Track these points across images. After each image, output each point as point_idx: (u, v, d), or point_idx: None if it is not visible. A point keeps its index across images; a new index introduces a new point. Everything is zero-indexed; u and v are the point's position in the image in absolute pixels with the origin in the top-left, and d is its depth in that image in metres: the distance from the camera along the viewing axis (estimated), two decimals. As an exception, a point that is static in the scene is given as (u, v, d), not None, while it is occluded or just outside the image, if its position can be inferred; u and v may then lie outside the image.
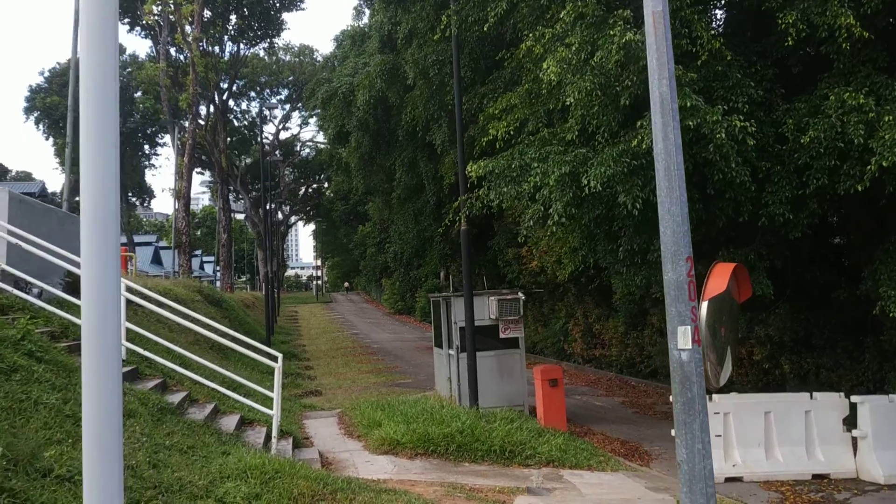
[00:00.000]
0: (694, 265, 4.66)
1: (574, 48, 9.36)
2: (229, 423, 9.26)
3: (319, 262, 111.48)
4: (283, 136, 76.16)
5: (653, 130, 4.84)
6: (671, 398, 9.89)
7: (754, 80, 10.41)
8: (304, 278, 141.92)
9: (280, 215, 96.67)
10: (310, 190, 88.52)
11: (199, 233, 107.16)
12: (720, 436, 9.85)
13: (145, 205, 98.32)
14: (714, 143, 8.98)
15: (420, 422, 10.55)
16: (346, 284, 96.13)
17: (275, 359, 10.16)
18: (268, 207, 48.69)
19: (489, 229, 29.27)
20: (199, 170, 69.09)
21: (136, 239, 68.71)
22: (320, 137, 65.39)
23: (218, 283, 48.34)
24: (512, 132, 11.90)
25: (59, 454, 5.32)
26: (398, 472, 9.01)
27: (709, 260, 10.66)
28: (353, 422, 12.05)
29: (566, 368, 24.85)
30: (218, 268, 53.61)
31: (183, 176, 32.95)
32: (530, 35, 10.90)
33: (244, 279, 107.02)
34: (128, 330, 10.11)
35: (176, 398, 9.10)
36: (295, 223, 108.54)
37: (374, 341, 34.28)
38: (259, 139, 49.21)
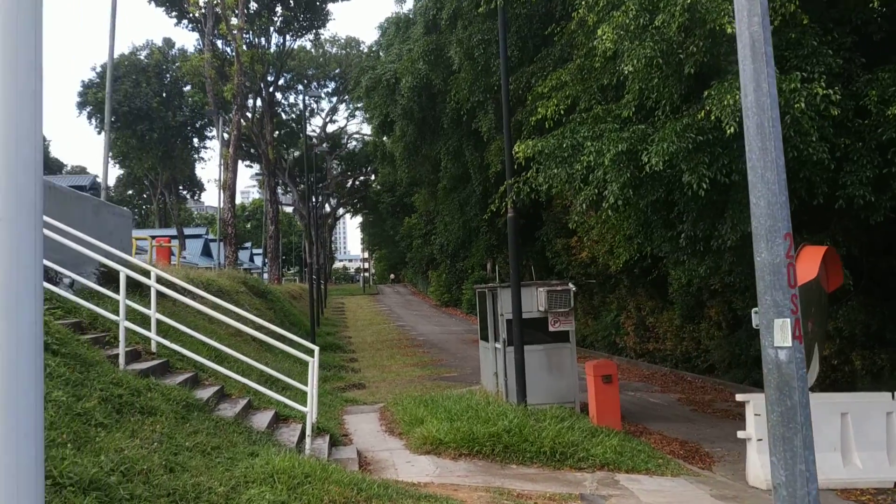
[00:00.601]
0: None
1: (632, 13, 8.52)
2: (262, 419, 8.71)
3: (366, 255, 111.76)
4: (331, 129, 76.32)
5: (741, 80, 4.05)
6: (743, 400, 9.05)
7: (832, 49, 9.42)
8: (352, 271, 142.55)
9: (327, 207, 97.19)
10: (356, 182, 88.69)
11: (248, 225, 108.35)
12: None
13: (196, 198, 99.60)
14: (791, 114, 8.05)
15: (464, 419, 9.88)
16: (392, 276, 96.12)
17: (311, 353, 9.59)
18: (313, 200, 48.50)
19: (537, 219, 28.43)
20: (247, 163, 69.61)
21: (187, 231, 69.51)
22: (366, 129, 65.23)
23: (266, 275, 48.42)
24: (562, 111, 11.10)
25: (60, 458, 4.77)
26: (440, 474, 8.34)
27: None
28: (395, 418, 11.44)
29: (618, 363, 23.90)
30: (266, 260, 53.76)
31: (228, 167, 32.79)
32: (583, 3, 10.08)
33: (293, 271, 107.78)
34: (159, 322, 9.65)
35: (206, 394, 8.58)
36: (342, 216, 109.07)
37: (420, 333, 33.75)
38: (303, 130, 49.04)
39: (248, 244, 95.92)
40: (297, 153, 70.02)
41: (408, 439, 9.94)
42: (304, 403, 8.82)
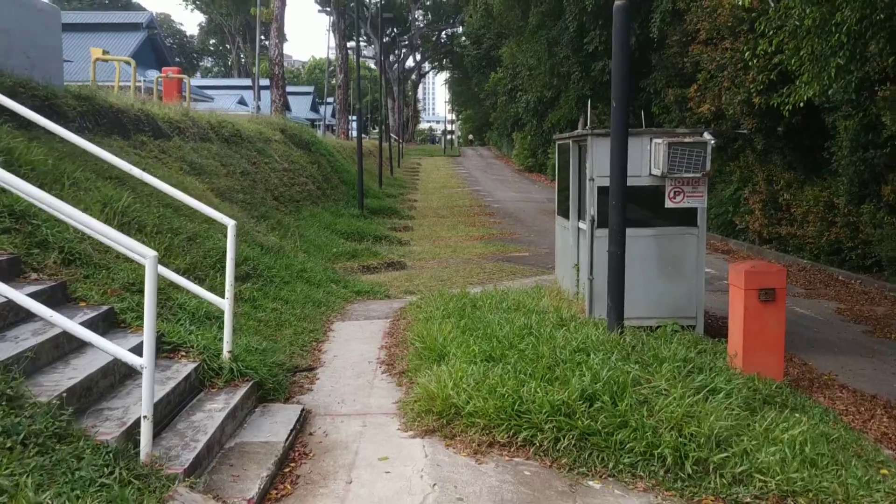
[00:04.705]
0: None
1: None
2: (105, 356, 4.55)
3: (451, 115, 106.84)
4: (415, -29, 69.94)
5: None
6: None
7: None
8: (438, 132, 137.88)
9: (411, 62, 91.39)
10: (443, 36, 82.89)
11: (334, 81, 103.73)
12: None
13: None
14: None
15: (512, 360, 5.47)
16: (470, 138, 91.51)
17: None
18: (380, 48, 43.58)
19: (643, 65, 22.81)
20: (327, 9, 64.25)
21: (291, 89, 66.19)
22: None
23: (331, 131, 44.52)
24: None
25: None
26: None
27: None
28: (408, 336, 7.17)
29: (735, 248, 18.97)
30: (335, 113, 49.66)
31: (276, -5, 27.91)
32: None
33: (377, 131, 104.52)
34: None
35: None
36: (427, 72, 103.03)
37: (496, 200, 29.31)
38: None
39: (331, 99, 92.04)
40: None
41: (408, 391, 5.65)
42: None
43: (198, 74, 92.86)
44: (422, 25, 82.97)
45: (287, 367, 6.03)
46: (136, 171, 5.33)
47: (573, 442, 4.52)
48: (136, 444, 3.67)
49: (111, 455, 3.45)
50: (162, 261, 6.78)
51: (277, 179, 17.09)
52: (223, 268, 7.81)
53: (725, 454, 4.39)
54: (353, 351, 7.00)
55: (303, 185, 19.00)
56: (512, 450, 4.60)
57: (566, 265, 9.78)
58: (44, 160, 6.76)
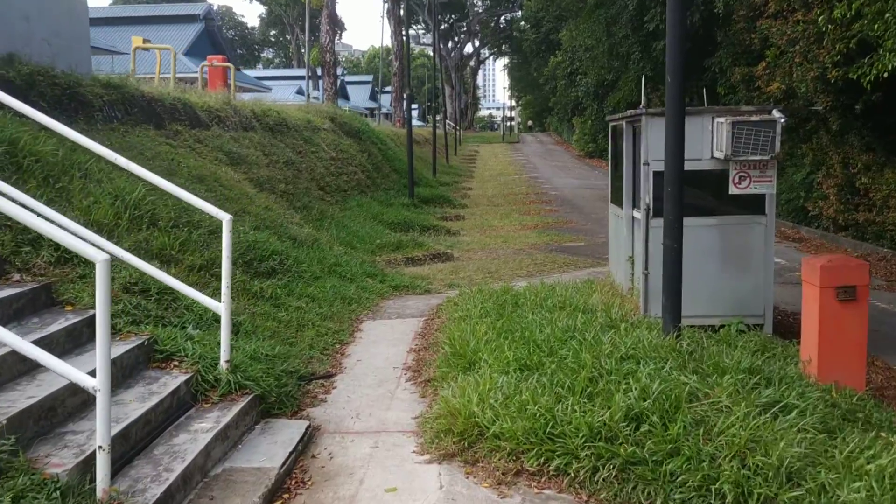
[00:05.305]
0: None
1: None
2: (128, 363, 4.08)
3: (510, 101, 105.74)
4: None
5: None
6: None
7: None
8: (498, 119, 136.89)
9: (470, 48, 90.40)
10: (502, 21, 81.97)
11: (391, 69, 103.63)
12: None
13: (337, 38, 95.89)
14: None
15: (547, 376, 4.79)
16: (529, 123, 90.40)
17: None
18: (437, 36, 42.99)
19: (708, 43, 21.59)
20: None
21: (350, 79, 66.33)
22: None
23: (388, 119, 44.15)
24: None
25: None
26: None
27: None
28: (440, 338, 6.55)
29: (807, 236, 17.74)
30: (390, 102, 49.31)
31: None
32: None
33: (438, 118, 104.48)
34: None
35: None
36: (486, 58, 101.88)
37: (554, 187, 28.43)
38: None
39: (389, 88, 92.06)
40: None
41: (431, 404, 5.03)
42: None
43: (259, 66, 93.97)
44: (480, 11, 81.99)
45: (301, 375, 5.48)
46: (122, 161, 4.83)
47: (614, 472, 3.82)
48: (95, 477, 3.15)
49: (59, 492, 2.94)
50: (175, 256, 6.34)
51: (324, 169, 16.67)
52: (245, 263, 7.36)
53: (798, 491, 3.63)
54: (379, 354, 6.41)
55: (351, 174, 18.55)
56: (542, 480, 3.93)
57: (620, 257, 9.00)
58: (52, 151, 6.37)
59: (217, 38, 42.80)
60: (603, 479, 3.82)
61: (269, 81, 52.18)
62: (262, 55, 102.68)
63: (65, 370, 3.12)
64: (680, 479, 3.74)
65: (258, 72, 71.37)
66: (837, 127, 16.19)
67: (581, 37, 29.42)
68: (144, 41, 17.92)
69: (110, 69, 15.88)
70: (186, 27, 39.05)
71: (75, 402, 3.73)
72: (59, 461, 3.19)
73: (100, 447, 3.04)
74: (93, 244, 4.81)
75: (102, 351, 3.04)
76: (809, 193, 18.57)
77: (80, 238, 4.20)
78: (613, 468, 3.83)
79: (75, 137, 4.89)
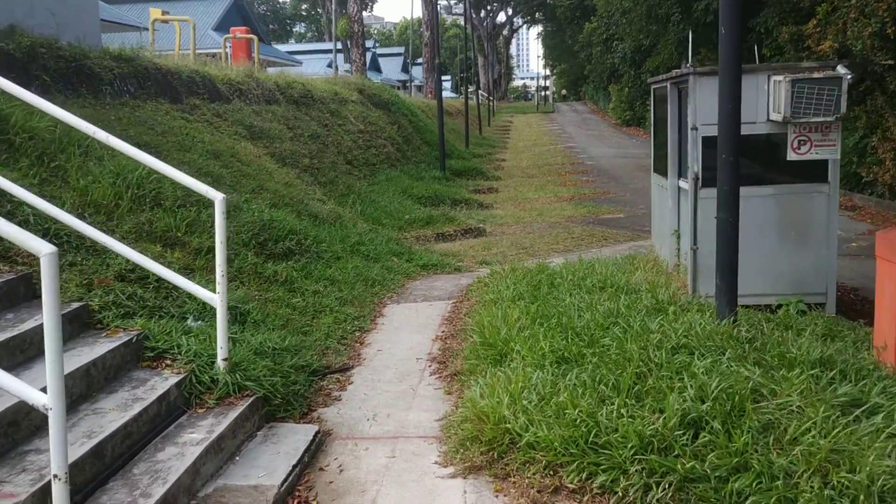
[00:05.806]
0: None
1: None
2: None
3: (544, 70, 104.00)
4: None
5: None
6: None
7: None
8: (532, 89, 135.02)
9: (503, 16, 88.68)
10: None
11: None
12: None
13: (367, 9, 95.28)
14: None
15: (588, 371, 4.21)
16: (564, 92, 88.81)
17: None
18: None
19: (753, 2, 20.45)
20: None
21: (381, 51, 65.47)
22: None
23: (420, 91, 43.38)
24: None
25: None
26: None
27: None
28: (468, 324, 5.99)
29: (861, 204, 16.79)
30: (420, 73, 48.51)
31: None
32: None
33: (471, 90, 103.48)
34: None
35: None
36: (520, 27, 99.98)
37: (590, 157, 27.55)
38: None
39: (421, 59, 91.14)
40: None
41: (457, 402, 4.49)
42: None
43: (291, 40, 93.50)
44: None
45: (314, 369, 4.97)
46: (102, 135, 4.34)
47: (671, 492, 3.24)
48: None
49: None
50: (181, 239, 5.87)
51: (351, 142, 16.13)
52: (259, 244, 6.86)
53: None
54: (402, 343, 5.88)
55: (380, 147, 17.99)
56: (585, 499, 3.36)
57: (664, 231, 8.33)
58: (48, 127, 5.91)
59: (247, 12, 42.34)
60: (656, 500, 3.23)
61: (300, 56, 51.72)
62: (294, 30, 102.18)
63: (10, 384, 2.63)
64: (750, 500, 3.14)
65: (290, 46, 70.92)
66: (895, 87, 15.17)
67: (617, 0, 28.30)
68: (163, 13, 17.49)
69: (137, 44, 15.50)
70: (215, 3, 38.60)
71: (42, 414, 3.27)
72: (12, 489, 2.73)
73: (55, 476, 2.55)
74: (76, 231, 4.34)
75: (54, 363, 2.54)
76: (863, 158, 17.54)
77: (69, 224, 3.72)
78: (669, 486, 3.24)
79: (39, 103, 4.40)
